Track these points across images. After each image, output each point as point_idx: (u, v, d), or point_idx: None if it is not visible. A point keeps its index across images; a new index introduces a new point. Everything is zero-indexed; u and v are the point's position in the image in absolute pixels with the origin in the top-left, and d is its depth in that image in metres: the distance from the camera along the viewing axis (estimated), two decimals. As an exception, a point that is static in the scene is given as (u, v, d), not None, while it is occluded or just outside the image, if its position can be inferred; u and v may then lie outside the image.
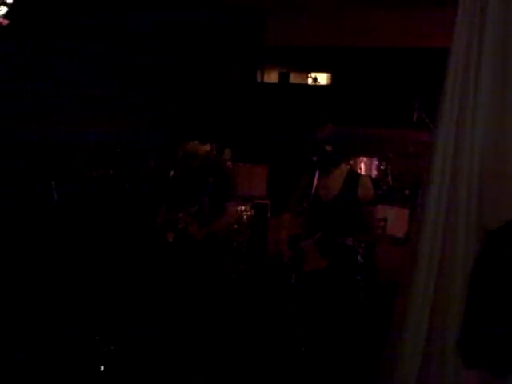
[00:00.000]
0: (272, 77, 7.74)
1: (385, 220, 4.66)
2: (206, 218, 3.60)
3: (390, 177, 5.48)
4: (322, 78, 7.66)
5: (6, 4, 2.14)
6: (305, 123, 3.92)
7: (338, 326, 3.49)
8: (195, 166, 3.68)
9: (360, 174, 3.78)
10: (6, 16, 2.18)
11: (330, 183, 3.50)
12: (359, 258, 4.10)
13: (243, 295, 4.63)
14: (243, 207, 5.42)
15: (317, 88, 7.32)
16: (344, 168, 3.55)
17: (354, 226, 3.45)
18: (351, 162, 5.13)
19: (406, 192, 5.33)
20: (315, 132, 3.43)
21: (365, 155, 5.51)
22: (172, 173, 3.83)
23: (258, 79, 7.44)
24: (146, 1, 5.53)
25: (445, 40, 2.51)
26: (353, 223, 3.44)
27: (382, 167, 5.53)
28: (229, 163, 3.73)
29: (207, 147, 3.70)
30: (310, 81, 7.50)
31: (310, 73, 7.48)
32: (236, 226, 4.73)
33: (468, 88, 2.37)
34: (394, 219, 4.78)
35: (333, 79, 7.73)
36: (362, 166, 5.49)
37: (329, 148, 3.40)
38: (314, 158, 3.39)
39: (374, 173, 5.50)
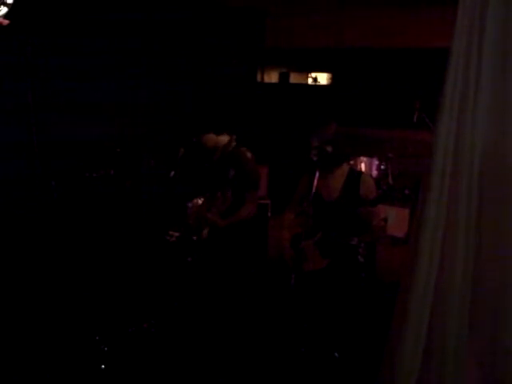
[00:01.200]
0: (272, 77, 7.73)
1: (385, 220, 4.66)
2: (229, 209, 3.61)
3: (390, 177, 5.48)
4: (322, 78, 7.66)
5: (5, 4, 2.13)
6: (305, 123, 3.92)
7: (339, 326, 3.50)
8: (215, 159, 3.68)
9: (361, 173, 3.79)
10: (6, 16, 2.17)
11: (331, 183, 3.51)
12: (359, 257, 4.10)
13: (243, 295, 4.63)
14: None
15: (317, 88, 7.32)
16: (345, 167, 3.55)
17: (357, 225, 3.46)
18: (351, 162, 5.13)
19: (406, 192, 5.33)
20: (319, 131, 3.43)
21: (365, 155, 5.50)
22: (172, 173, 3.84)
23: (258, 79, 7.43)
24: (147, 1, 5.53)
25: (445, 40, 2.51)
26: (355, 223, 3.45)
27: (382, 167, 5.52)
28: (249, 154, 3.67)
29: (225, 138, 3.68)
30: (310, 81, 7.50)
31: (310, 73, 7.48)
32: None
33: (468, 88, 2.37)
34: (394, 219, 4.79)
35: (333, 79, 7.72)
36: (362, 165, 5.48)
37: (329, 148, 3.40)
38: (314, 158, 3.40)
39: (374, 173, 5.49)
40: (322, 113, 5.67)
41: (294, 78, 7.79)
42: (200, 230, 3.68)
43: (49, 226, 4.13)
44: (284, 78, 7.75)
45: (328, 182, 3.50)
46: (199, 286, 3.75)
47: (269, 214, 5.46)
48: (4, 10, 2.14)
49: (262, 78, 7.51)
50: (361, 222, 3.44)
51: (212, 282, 3.73)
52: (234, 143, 3.69)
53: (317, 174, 3.39)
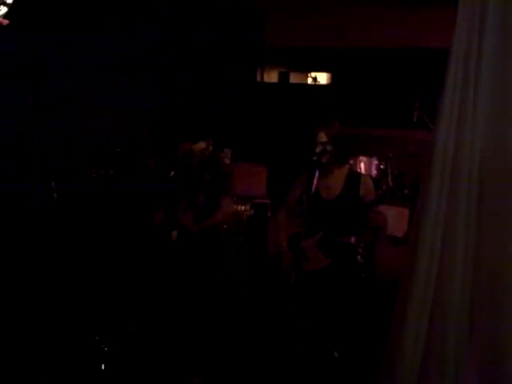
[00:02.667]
0: (272, 77, 7.73)
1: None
2: (202, 213, 3.59)
3: (389, 176, 5.48)
4: (322, 78, 7.66)
5: (5, 4, 2.13)
6: (306, 123, 3.92)
7: (338, 326, 3.50)
8: (193, 165, 3.68)
9: (361, 174, 3.79)
10: (6, 16, 2.17)
11: (331, 183, 3.50)
12: (359, 257, 4.10)
13: (243, 295, 4.63)
14: (243, 207, 5.41)
15: (317, 88, 7.32)
16: (345, 167, 3.55)
17: (356, 225, 3.46)
18: (351, 162, 5.13)
19: (406, 192, 5.32)
20: (321, 131, 3.42)
21: (364, 155, 5.50)
22: (172, 173, 3.83)
23: (258, 79, 7.44)
24: (147, 1, 5.53)
25: (445, 40, 2.51)
26: (357, 223, 3.45)
27: (381, 167, 5.52)
28: (225, 159, 3.71)
29: (202, 145, 3.69)
30: (309, 81, 7.50)
31: (309, 73, 7.48)
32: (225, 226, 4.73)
33: (468, 87, 2.37)
34: (394, 219, 4.78)
35: (333, 79, 7.72)
36: (362, 165, 5.48)
37: (329, 148, 3.40)
38: (314, 158, 3.39)
39: (374, 172, 5.49)
40: (325, 112, 5.67)
41: (293, 78, 7.79)
42: (169, 232, 3.63)
43: (49, 225, 4.14)
44: (284, 77, 7.76)
45: (328, 182, 3.50)
46: (198, 285, 3.75)
47: (269, 214, 5.47)
48: (4, 9, 2.14)
49: (262, 78, 7.51)
50: (368, 226, 3.45)
51: (211, 279, 3.72)
52: (211, 148, 3.70)
53: (316, 174, 3.38)
